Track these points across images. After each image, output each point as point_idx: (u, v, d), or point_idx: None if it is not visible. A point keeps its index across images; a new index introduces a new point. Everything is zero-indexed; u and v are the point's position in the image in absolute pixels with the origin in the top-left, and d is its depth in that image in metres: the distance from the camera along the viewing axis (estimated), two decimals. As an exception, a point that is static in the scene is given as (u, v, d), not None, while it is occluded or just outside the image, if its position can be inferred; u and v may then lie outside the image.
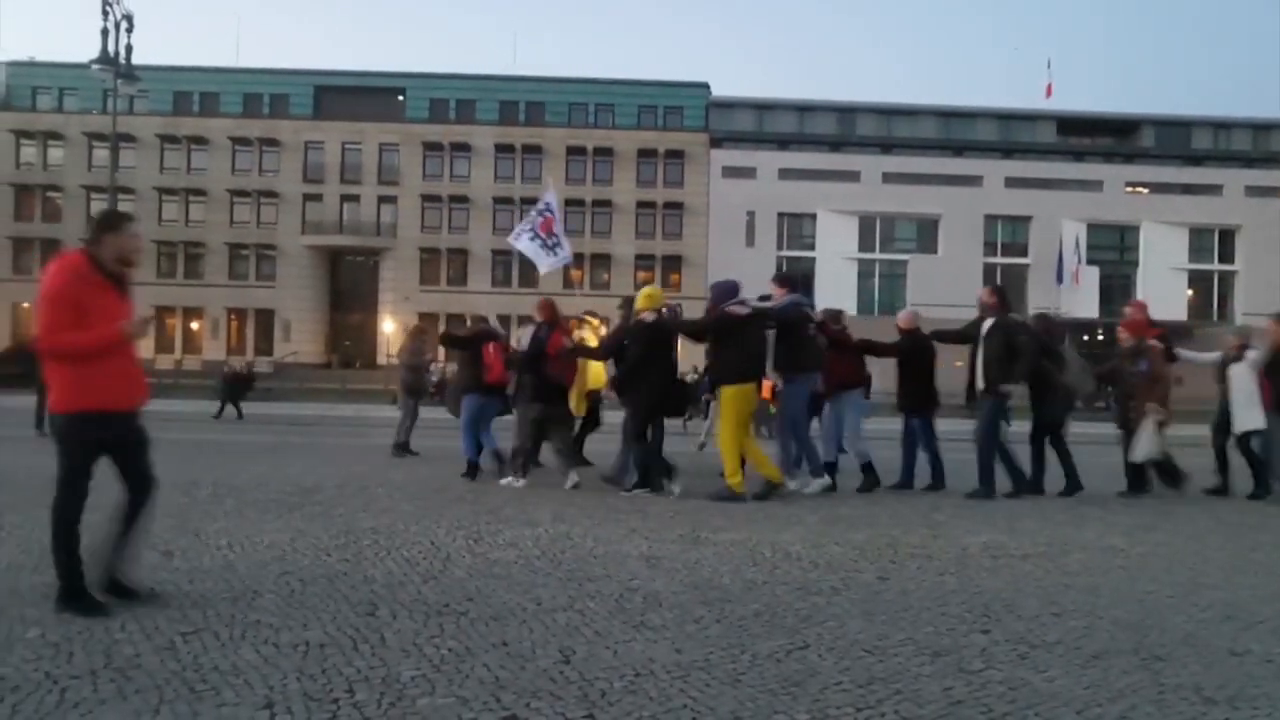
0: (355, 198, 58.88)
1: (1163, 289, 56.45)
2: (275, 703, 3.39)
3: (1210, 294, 59.29)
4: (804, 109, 63.78)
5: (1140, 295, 56.16)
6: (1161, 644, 4.37)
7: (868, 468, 9.87)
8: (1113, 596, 5.32)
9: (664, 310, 9.37)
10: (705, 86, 61.66)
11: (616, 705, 3.46)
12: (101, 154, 54.36)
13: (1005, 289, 10.19)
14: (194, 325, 58.54)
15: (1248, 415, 9.91)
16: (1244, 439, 10.04)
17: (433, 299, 56.80)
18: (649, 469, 9.06)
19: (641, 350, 9.00)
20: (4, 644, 3.99)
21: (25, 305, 56.41)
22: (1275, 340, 9.78)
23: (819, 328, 9.66)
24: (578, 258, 57.80)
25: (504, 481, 9.60)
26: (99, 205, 53.74)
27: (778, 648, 4.20)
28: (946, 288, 54.97)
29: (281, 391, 39.13)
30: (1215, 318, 56.45)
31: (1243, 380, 9.97)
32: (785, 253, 58.43)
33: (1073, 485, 9.63)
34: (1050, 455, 9.89)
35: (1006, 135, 63.88)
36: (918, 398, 10.21)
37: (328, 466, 11.40)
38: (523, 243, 13.47)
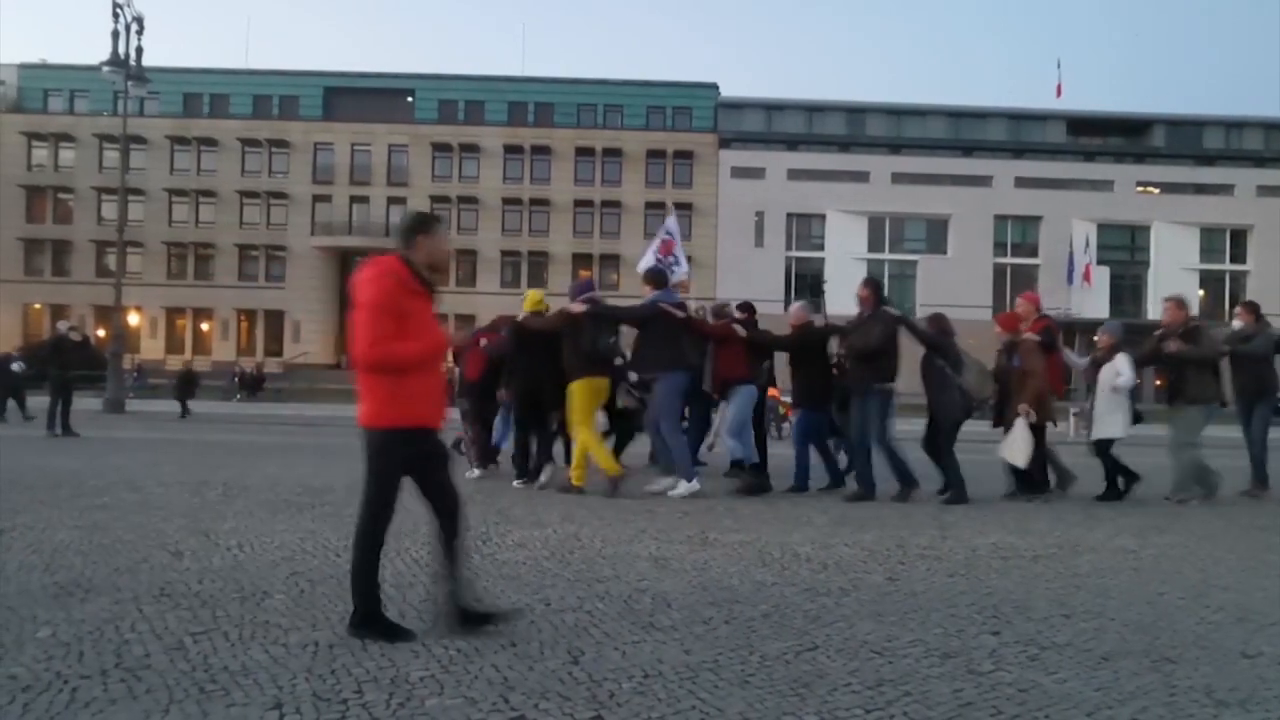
0: (364, 199, 59.02)
1: (1174, 289, 55.84)
2: (284, 703, 3.40)
3: (1222, 294, 58.95)
4: (813, 109, 63.63)
5: (1152, 295, 56.25)
6: (1173, 646, 4.35)
7: (740, 465, 9.75)
8: (1124, 598, 5.30)
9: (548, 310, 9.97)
10: (714, 87, 61.64)
11: (625, 706, 3.46)
12: (112, 155, 54.53)
13: (880, 282, 10.02)
14: (204, 326, 58.76)
15: (1107, 422, 9.47)
16: (1101, 444, 9.60)
17: (442, 300, 56.83)
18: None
19: (513, 350, 9.87)
20: (15, 643, 4.00)
21: (37, 306, 56.79)
22: (1172, 320, 9.60)
23: (688, 324, 9.52)
24: (585, 259, 58.08)
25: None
26: (110, 206, 54.10)
27: (786, 649, 4.19)
28: (956, 288, 54.90)
29: (291, 392, 39.31)
30: (1227, 318, 56.16)
31: (1107, 384, 9.49)
32: (794, 253, 58.37)
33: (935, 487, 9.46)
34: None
35: (1016, 135, 63.65)
36: (811, 393, 9.94)
37: (337, 467, 11.43)
38: (648, 260, 13.86)
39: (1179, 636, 4.52)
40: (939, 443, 9.43)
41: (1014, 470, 9.38)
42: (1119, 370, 9.35)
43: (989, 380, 9.52)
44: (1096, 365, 9.69)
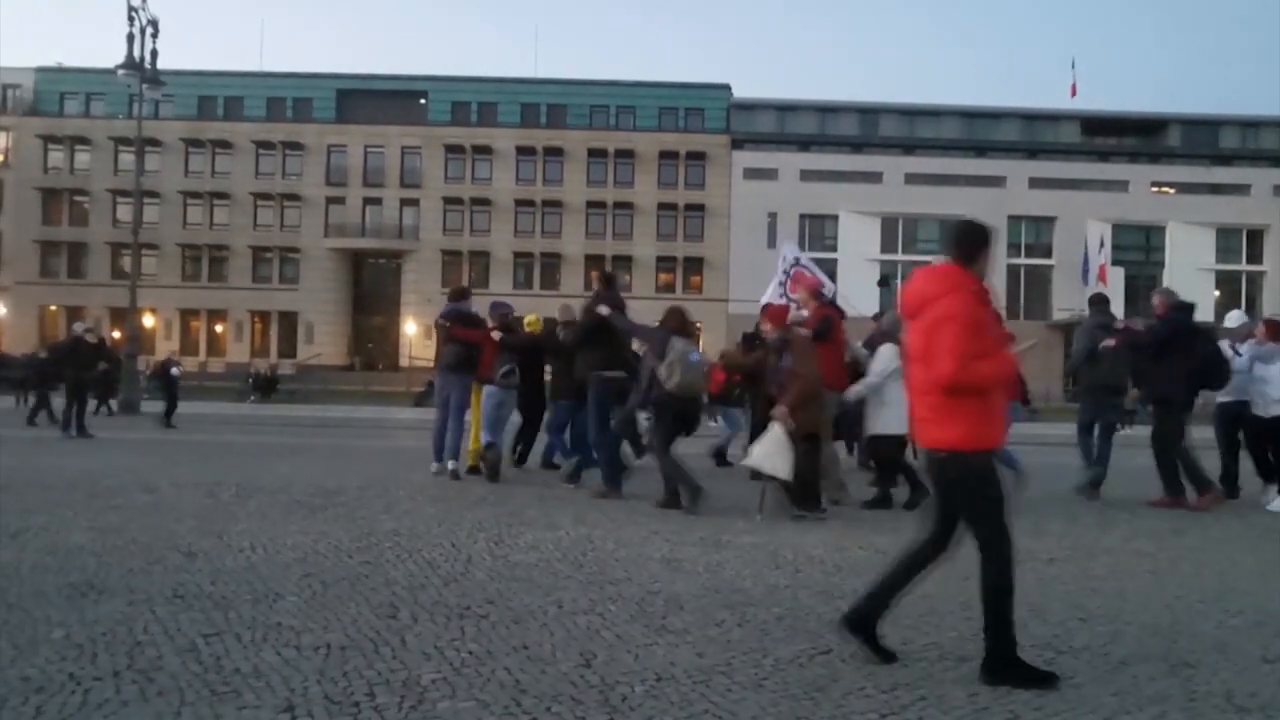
0: (378, 201, 59.17)
1: (1189, 290, 55.24)
2: (296, 705, 3.39)
3: (1238, 295, 58.50)
4: (826, 110, 63.43)
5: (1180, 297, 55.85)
6: (1191, 650, 4.30)
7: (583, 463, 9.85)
8: (1141, 602, 5.25)
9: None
10: (726, 88, 61.56)
11: (638, 710, 3.44)
12: (127, 158, 54.87)
13: (614, 275, 10.23)
14: (218, 328, 59.01)
15: (880, 417, 8.59)
16: (873, 441, 8.86)
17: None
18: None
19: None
20: (29, 645, 4.01)
21: (53, 308, 57.15)
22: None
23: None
24: (598, 260, 58.08)
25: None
26: (125, 209, 54.39)
27: (800, 652, 4.17)
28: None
29: (304, 393, 39.40)
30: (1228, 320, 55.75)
31: (878, 376, 8.62)
32: (807, 254, 58.18)
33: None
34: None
35: (1030, 135, 63.33)
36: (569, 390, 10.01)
37: (350, 468, 11.45)
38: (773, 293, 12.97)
39: (1197, 641, 4.48)
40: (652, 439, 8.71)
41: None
42: (878, 362, 8.55)
43: (701, 379, 8.74)
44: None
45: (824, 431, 8.31)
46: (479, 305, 11.05)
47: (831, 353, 8.79)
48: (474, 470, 10.38)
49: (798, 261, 12.95)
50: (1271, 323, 9.74)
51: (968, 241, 4.03)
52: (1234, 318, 10.63)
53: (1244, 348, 9.81)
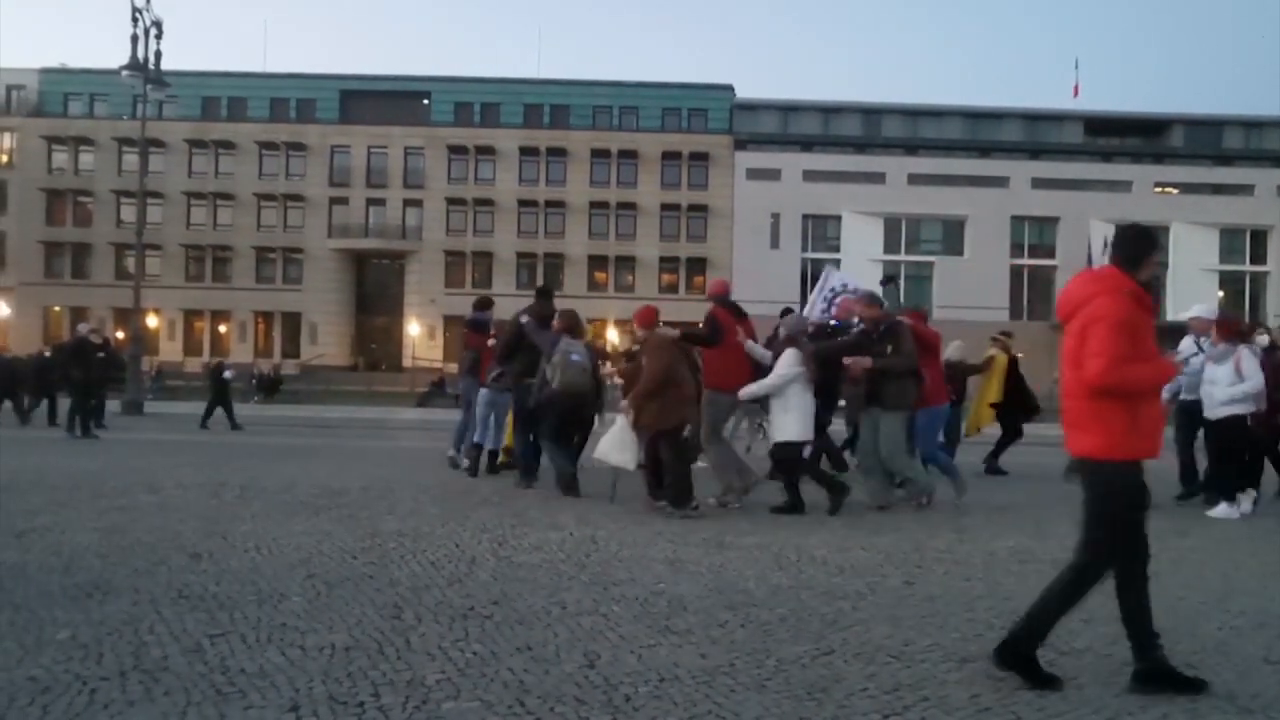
0: (381, 201, 59.20)
1: (1193, 290, 55.67)
2: (301, 705, 3.41)
3: (1242, 295, 58.47)
4: (829, 110, 63.39)
5: (1171, 297, 55.86)
6: (1194, 652, 4.31)
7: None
8: (1143, 603, 5.24)
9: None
10: (729, 89, 61.55)
11: (641, 710, 3.45)
12: (131, 159, 54.87)
13: (550, 289, 10.49)
14: (221, 328, 59.06)
15: (782, 423, 8.26)
16: (776, 448, 8.45)
17: (458, 302, 56.96)
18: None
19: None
20: (35, 645, 4.03)
21: (57, 309, 57.24)
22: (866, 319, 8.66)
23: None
24: (600, 261, 58.11)
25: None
26: (129, 209, 54.43)
27: (803, 653, 4.18)
28: (973, 289, 54.66)
29: (308, 394, 39.44)
30: (1247, 320, 55.68)
31: (778, 379, 8.29)
32: (810, 255, 58.18)
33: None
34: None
35: (1033, 136, 63.26)
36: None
37: (354, 469, 11.47)
38: (816, 311, 12.90)
39: (1200, 642, 4.48)
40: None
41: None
42: (780, 366, 8.28)
43: (582, 378, 8.98)
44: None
45: (707, 430, 8.66)
46: (502, 307, 11.58)
47: (727, 354, 8.64)
48: (507, 466, 10.67)
49: (846, 287, 12.88)
50: (1224, 321, 9.12)
51: (1134, 245, 3.96)
52: (1196, 311, 9.80)
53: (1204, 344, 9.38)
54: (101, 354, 16.67)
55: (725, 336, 8.59)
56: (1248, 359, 8.69)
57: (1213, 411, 8.82)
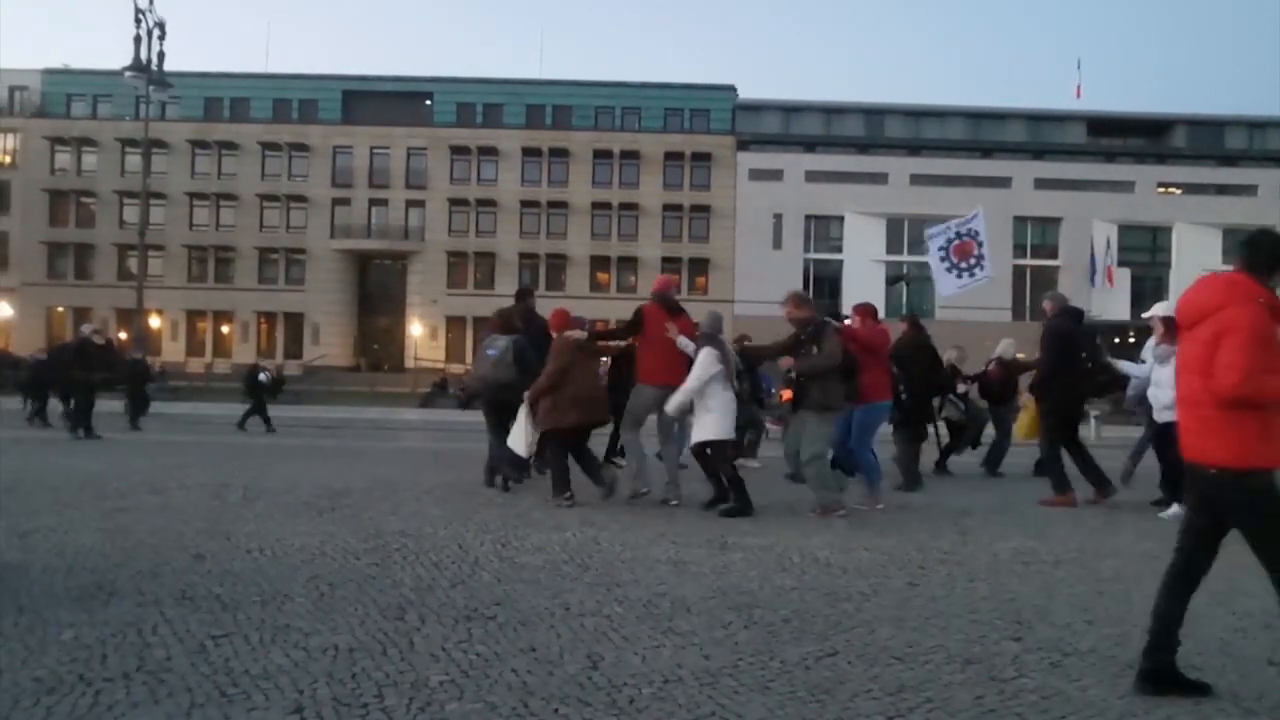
0: (383, 202, 59.23)
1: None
2: (305, 707, 3.41)
3: (1245, 296, 58.34)
4: (831, 111, 63.38)
5: (1174, 297, 55.77)
6: (1198, 653, 4.30)
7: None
8: (1147, 604, 5.16)
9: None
10: (732, 89, 61.56)
11: (645, 712, 3.45)
12: (134, 159, 55.00)
13: (529, 289, 10.89)
14: (224, 329, 59.10)
15: (704, 422, 8.30)
16: (697, 446, 8.40)
17: (460, 302, 57.08)
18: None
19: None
20: (39, 646, 4.03)
21: (60, 309, 57.30)
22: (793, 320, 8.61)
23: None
24: (603, 261, 58.11)
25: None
26: (131, 210, 54.50)
27: (807, 654, 4.18)
28: (976, 290, 54.27)
29: (310, 394, 39.43)
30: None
31: (697, 381, 8.29)
32: (812, 255, 58.20)
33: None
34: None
35: (1036, 136, 63.21)
36: None
37: (356, 469, 11.47)
38: (932, 256, 12.94)
39: (1204, 644, 4.48)
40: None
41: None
42: (698, 368, 8.29)
43: (490, 370, 9.49)
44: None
45: (628, 419, 9.05)
46: (490, 306, 11.52)
47: (655, 349, 8.84)
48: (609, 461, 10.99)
49: (972, 232, 12.94)
50: (1170, 320, 8.45)
51: (1270, 252, 3.85)
52: (1158, 310, 9.19)
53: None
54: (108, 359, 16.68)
55: (644, 331, 8.89)
56: None
57: (1159, 415, 8.59)
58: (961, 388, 12.49)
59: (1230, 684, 3.91)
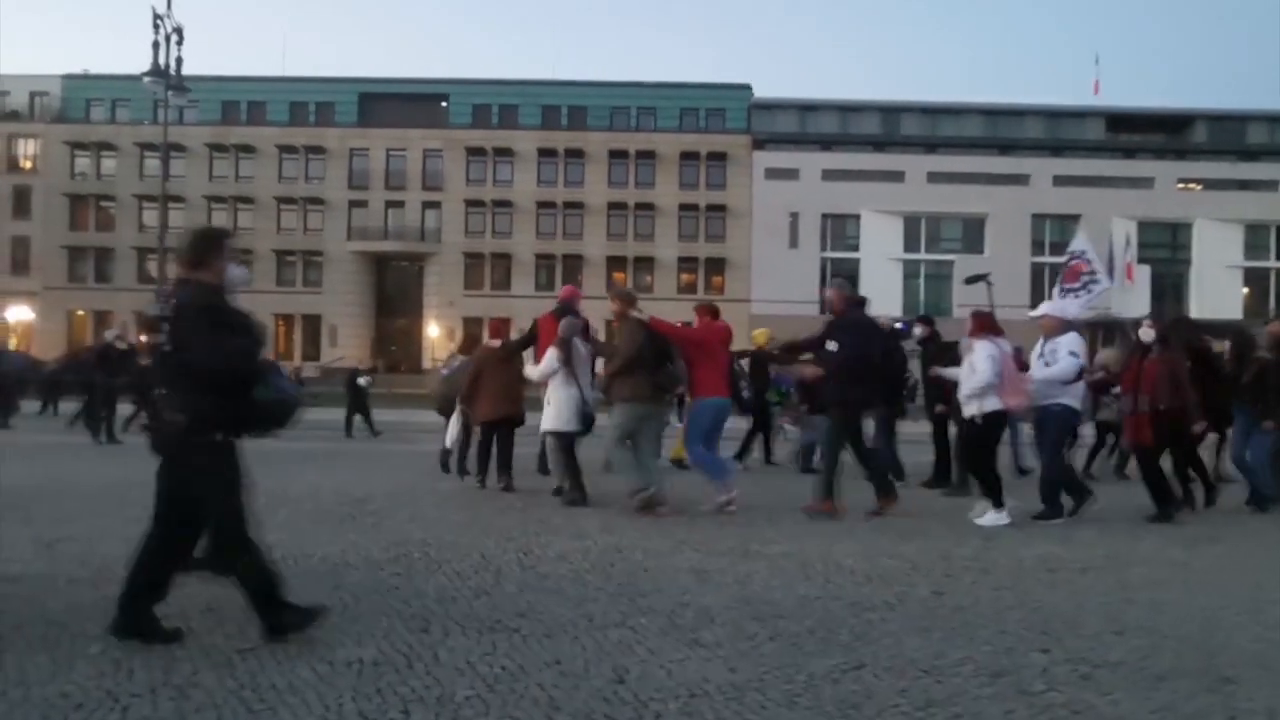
0: (400, 204, 59.42)
1: (1217, 287, 55.26)
2: (332, 723, 3.40)
3: (1267, 292, 57.86)
4: (847, 109, 63.13)
5: (1194, 294, 55.37)
6: (1231, 665, 4.24)
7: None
8: (1177, 613, 5.18)
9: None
10: (747, 88, 61.41)
11: (672, 728, 3.43)
12: (153, 163, 55.22)
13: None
14: (243, 331, 59.34)
15: (546, 414, 9.18)
16: (551, 438, 9.21)
17: (477, 303, 57.14)
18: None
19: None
20: (66, 660, 4.04)
21: (80, 313, 57.73)
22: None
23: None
24: (619, 262, 58.06)
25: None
26: (151, 214, 54.85)
27: (833, 667, 4.14)
28: (994, 288, 54.22)
29: (328, 396, 39.57)
30: (1272, 316, 55.05)
31: (539, 375, 9.48)
32: (829, 254, 57.99)
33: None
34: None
35: (1054, 133, 62.80)
36: None
37: (377, 475, 11.50)
38: (1056, 297, 13.10)
39: (1237, 654, 4.42)
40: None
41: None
42: (544, 363, 9.14)
43: (444, 386, 11.47)
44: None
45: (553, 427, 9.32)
46: (513, 308, 11.75)
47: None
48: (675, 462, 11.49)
49: (1079, 254, 13.31)
50: (978, 314, 8.76)
51: None
52: (1044, 309, 9.22)
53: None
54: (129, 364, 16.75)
55: (541, 340, 9.75)
56: (979, 352, 8.33)
57: (966, 409, 8.54)
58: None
59: (1267, 698, 3.84)
